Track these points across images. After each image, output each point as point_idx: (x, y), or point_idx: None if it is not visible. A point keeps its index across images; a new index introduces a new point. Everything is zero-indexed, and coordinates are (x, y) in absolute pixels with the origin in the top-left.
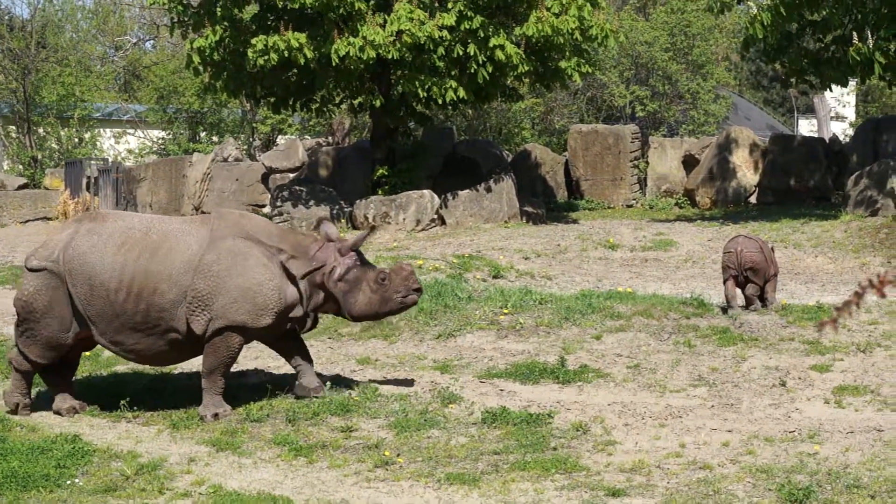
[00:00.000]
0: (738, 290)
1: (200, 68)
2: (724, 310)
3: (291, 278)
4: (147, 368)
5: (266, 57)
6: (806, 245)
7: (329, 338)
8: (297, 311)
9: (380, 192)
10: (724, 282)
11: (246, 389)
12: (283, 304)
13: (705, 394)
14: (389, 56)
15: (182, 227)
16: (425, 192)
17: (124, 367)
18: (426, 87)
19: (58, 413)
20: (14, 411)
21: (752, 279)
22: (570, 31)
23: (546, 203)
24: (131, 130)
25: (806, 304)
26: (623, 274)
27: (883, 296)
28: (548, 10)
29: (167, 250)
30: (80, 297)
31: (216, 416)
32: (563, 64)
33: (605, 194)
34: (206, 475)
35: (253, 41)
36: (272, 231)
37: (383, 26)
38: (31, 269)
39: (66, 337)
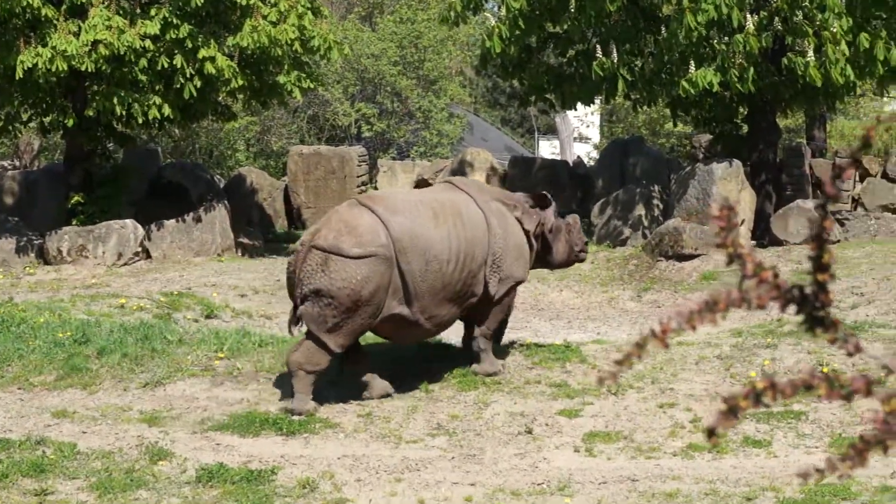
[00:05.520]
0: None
1: None
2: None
3: (525, 233)
4: None
5: None
6: (550, 278)
7: (19, 388)
8: (529, 262)
9: (75, 221)
10: None
11: None
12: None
13: (445, 444)
14: (84, 68)
15: (454, 196)
16: (128, 221)
17: None
18: (126, 103)
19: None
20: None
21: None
22: (289, 41)
23: (264, 233)
24: None
25: (552, 342)
26: None
27: (666, 346)
28: (264, 18)
29: (467, 217)
30: (413, 275)
31: (496, 373)
32: (281, 78)
33: None
34: None
35: None
36: (499, 190)
37: (77, 35)
38: (356, 257)
39: (372, 322)
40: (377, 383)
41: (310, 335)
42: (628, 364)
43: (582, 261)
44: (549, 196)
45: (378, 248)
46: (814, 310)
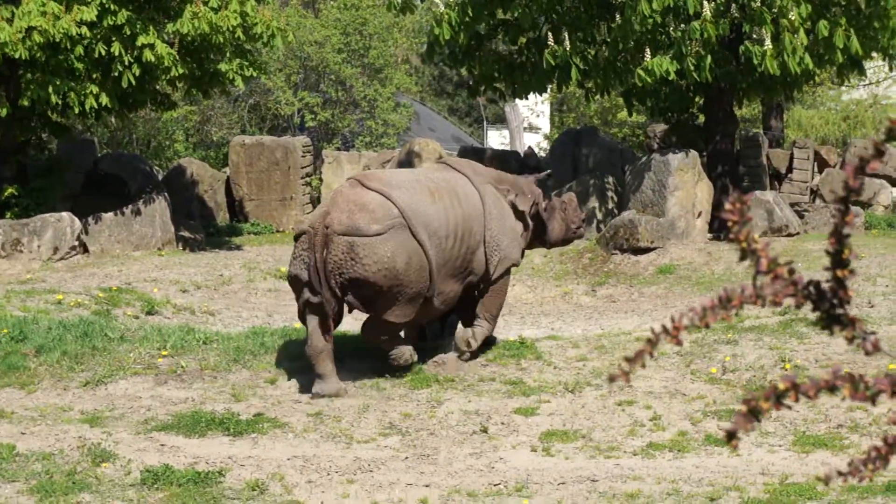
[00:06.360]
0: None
1: None
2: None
3: (521, 214)
4: None
5: None
6: None
7: None
8: (524, 243)
9: (9, 214)
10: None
11: None
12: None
13: (398, 444)
14: (18, 56)
15: (449, 175)
16: (64, 214)
17: None
18: (62, 92)
19: None
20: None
21: None
22: (231, 28)
23: (205, 227)
24: None
25: (506, 338)
26: (297, 307)
27: (679, 343)
28: (205, 4)
29: (463, 196)
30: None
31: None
32: (223, 66)
33: (274, 216)
34: None
35: None
36: (493, 173)
37: (10, 21)
38: (376, 234)
39: (425, 288)
40: (333, 383)
41: (372, 317)
42: (640, 362)
43: (581, 236)
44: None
45: (394, 220)
46: (831, 307)
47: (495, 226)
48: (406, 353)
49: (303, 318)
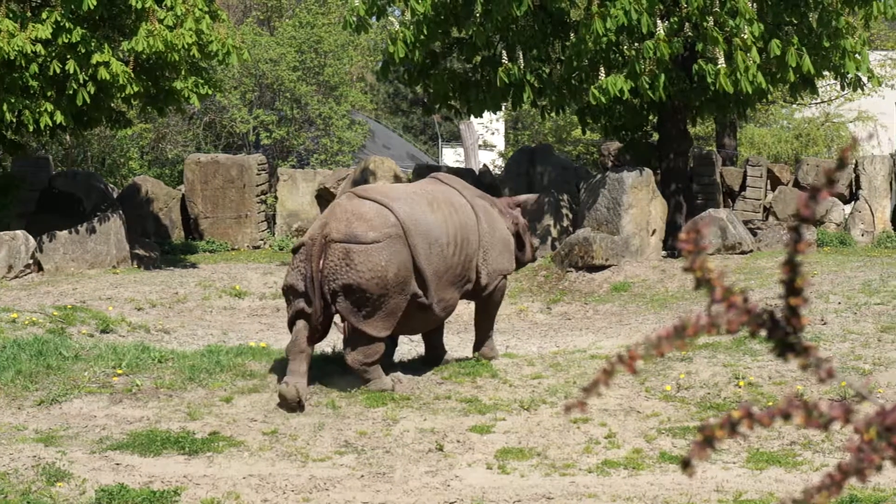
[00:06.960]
0: None
1: None
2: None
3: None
4: None
5: None
6: None
7: None
8: (514, 252)
9: None
10: None
11: None
12: None
13: (353, 462)
14: None
15: (442, 188)
16: (18, 232)
17: None
18: (16, 110)
19: None
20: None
21: None
22: (186, 46)
23: (160, 244)
24: None
25: (462, 357)
26: (252, 325)
27: (634, 372)
28: (160, 22)
29: (459, 206)
30: (420, 257)
31: (495, 356)
32: (178, 84)
33: (229, 234)
34: None
35: None
36: (476, 190)
37: None
38: (373, 242)
39: (405, 300)
40: (301, 383)
41: (353, 330)
42: (595, 391)
43: (535, 259)
44: (528, 203)
45: (391, 229)
46: (785, 335)
47: (486, 239)
48: (388, 384)
49: (291, 327)
